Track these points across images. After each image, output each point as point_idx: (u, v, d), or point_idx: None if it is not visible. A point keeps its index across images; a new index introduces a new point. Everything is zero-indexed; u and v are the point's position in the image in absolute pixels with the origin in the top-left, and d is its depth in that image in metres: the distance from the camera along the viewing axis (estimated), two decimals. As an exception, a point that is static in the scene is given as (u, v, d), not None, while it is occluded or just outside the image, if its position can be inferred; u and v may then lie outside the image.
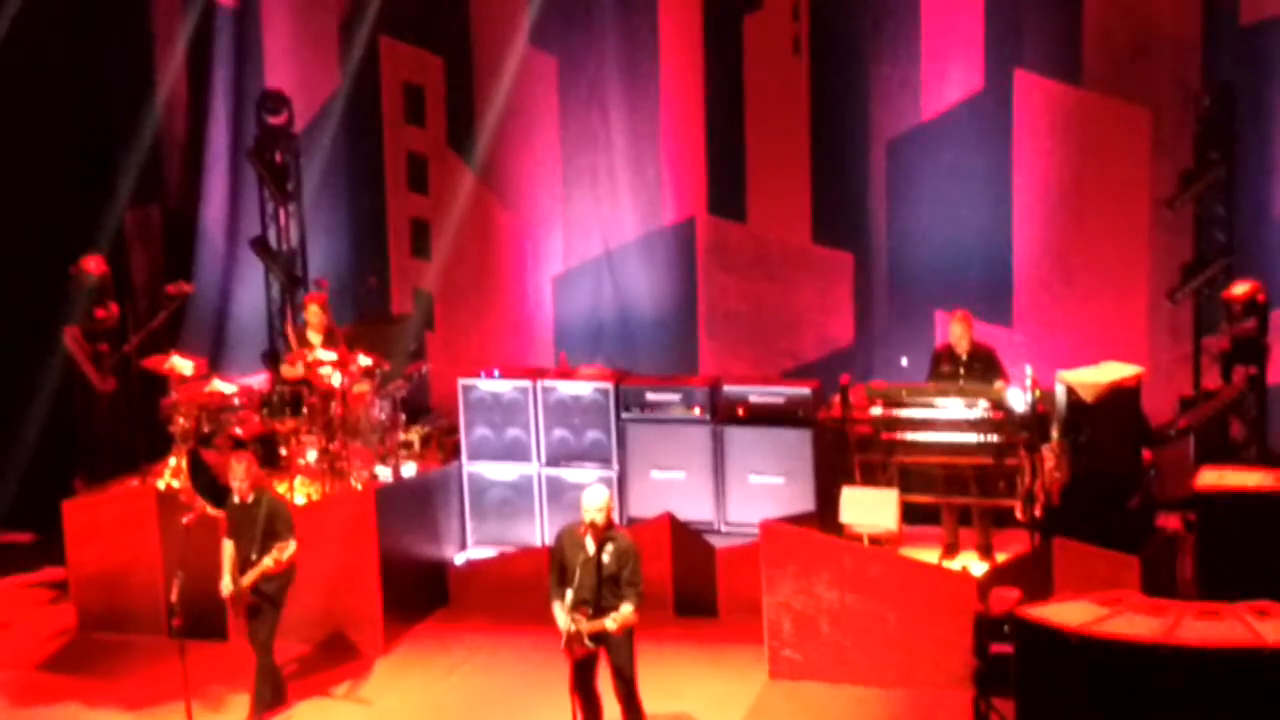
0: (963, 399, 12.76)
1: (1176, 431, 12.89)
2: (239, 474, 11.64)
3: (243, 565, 11.53)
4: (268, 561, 11.37)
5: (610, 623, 10.22)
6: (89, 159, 16.16)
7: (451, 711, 12.14)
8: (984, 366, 13.10)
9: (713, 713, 11.76)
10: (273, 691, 11.72)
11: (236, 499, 11.69)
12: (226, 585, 11.54)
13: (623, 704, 10.64)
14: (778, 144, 15.30)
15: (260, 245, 16.15)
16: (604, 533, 10.39)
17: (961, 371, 13.07)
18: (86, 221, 15.64)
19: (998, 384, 12.86)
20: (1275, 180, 14.06)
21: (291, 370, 13.88)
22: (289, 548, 11.45)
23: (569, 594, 10.30)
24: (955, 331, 13.21)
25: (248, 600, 11.52)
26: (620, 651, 10.48)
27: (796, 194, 15.30)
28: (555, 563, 10.62)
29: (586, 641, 10.31)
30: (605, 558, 10.35)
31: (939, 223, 14.75)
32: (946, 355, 13.27)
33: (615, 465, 13.95)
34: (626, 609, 10.25)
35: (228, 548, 11.63)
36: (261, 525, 11.49)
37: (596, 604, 10.32)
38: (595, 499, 10.44)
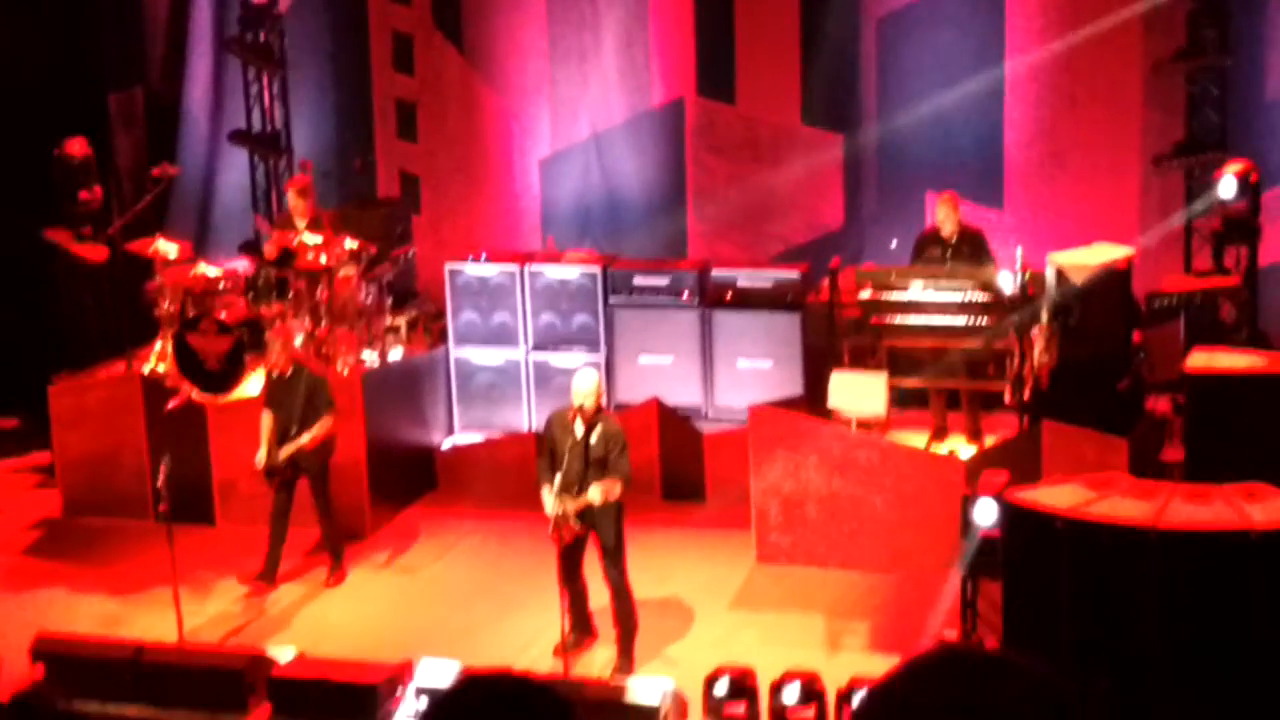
0: (952, 282, 12.66)
1: (1166, 304, 12.81)
2: (275, 348, 11.91)
3: (281, 437, 11.78)
4: (305, 438, 11.73)
5: (595, 494, 10.23)
6: (70, 41, 15.93)
7: (440, 596, 12.16)
8: (971, 249, 12.98)
9: (700, 597, 11.80)
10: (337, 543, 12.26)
11: (275, 373, 11.90)
12: (261, 457, 11.76)
13: (611, 588, 10.66)
14: (767, 23, 15.10)
15: (242, 135, 16.02)
16: (592, 417, 10.37)
17: (948, 254, 12.96)
18: (68, 104, 15.45)
19: (986, 267, 12.76)
20: (1269, 63, 13.90)
21: (273, 251, 13.76)
22: (326, 423, 11.79)
23: (557, 479, 10.30)
24: (941, 213, 13.07)
25: (284, 474, 11.76)
26: (607, 533, 10.49)
27: (786, 75, 15.13)
28: (544, 448, 10.63)
29: (573, 522, 10.31)
30: (592, 441, 10.33)
31: (930, 103, 14.58)
32: (933, 238, 13.14)
33: (603, 350, 13.88)
34: (613, 483, 10.27)
35: (266, 420, 11.79)
36: (302, 399, 11.77)
37: (583, 488, 10.33)
38: (584, 383, 10.43)
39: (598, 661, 10.85)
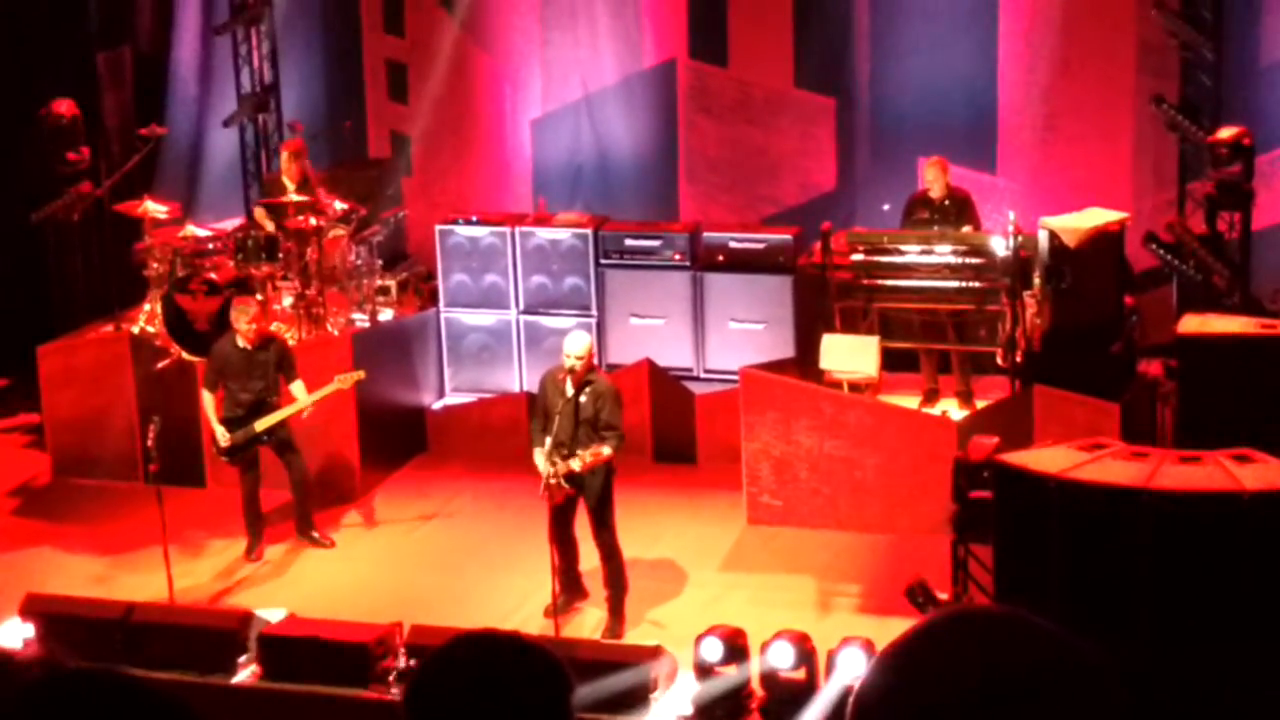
0: (944, 245, 12.63)
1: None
2: (244, 319, 11.64)
3: (251, 409, 11.60)
4: (301, 407, 11.64)
5: (577, 463, 10.21)
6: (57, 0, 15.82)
7: (430, 558, 12.16)
8: (958, 212, 12.96)
9: (691, 558, 11.80)
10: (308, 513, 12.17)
11: (242, 343, 11.66)
12: (224, 436, 11.57)
13: (601, 550, 10.65)
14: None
15: (236, 116, 15.99)
16: (583, 377, 10.36)
17: (936, 217, 12.93)
18: (55, 64, 15.34)
19: (965, 229, 12.74)
20: (1263, 28, 13.84)
21: (257, 215, 13.69)
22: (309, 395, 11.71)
23: (548, 440, 10.29)
24: (929, 176, 13.06)
25: (248, 452, 11.68)
26: (595, 495, 10.48)
27: (778, 36, 15.06)
28: (537, 408, 10.64)
29: (563, 483, 10.31)
30: (583, 400, 10.31)
31: (923, 66, 14.51)
32: (922, 201, 13.11)
33: (594, 312, 13.84)
34: (599, 448, 10.24)
35: (211, 399, 11.64)
36: (274, 370, 11.65)
37: (574, 448, 10.32)
38: (576, 344, 10.43)
39: (588, 623, 10.86)
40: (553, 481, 10.32)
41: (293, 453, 11.85)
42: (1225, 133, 12.71)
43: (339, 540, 12.27)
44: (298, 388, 11.72)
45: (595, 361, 10.82)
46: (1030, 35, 14.36)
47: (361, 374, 11.91)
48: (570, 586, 10.89)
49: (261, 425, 11.62)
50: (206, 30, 16.32)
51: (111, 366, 13.37)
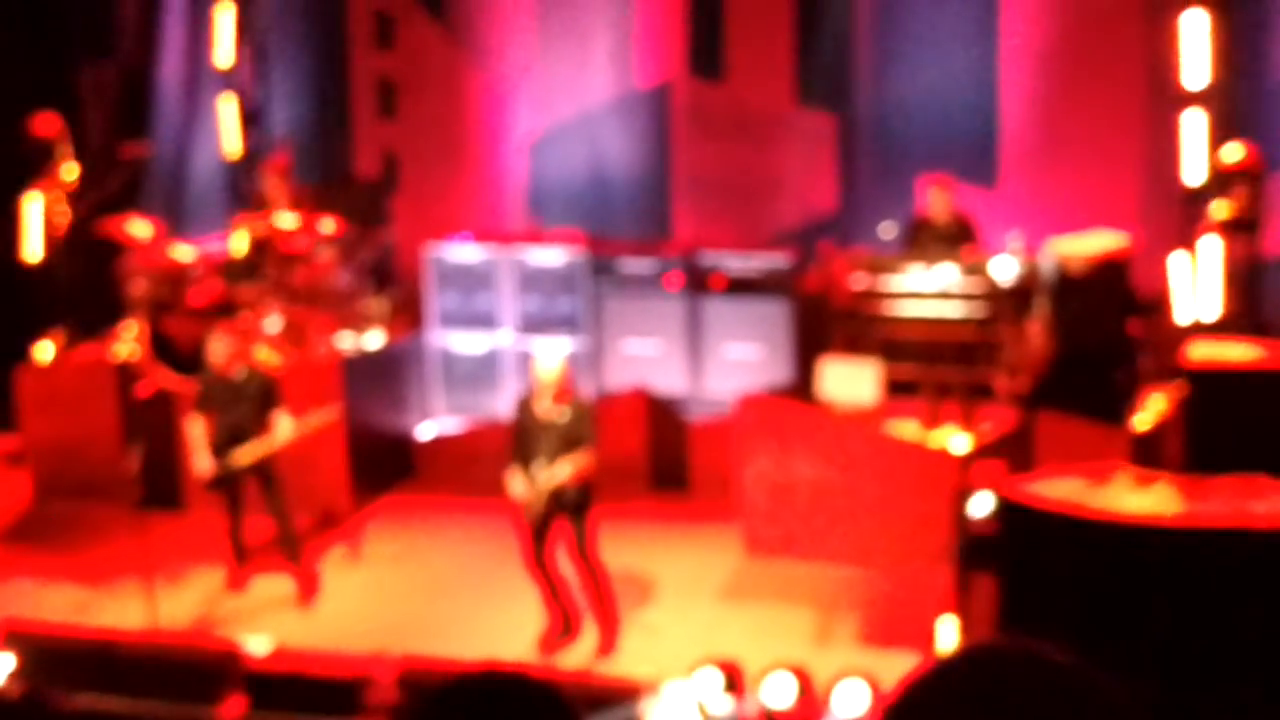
0: (948, 268, 12.44)
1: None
2: (220, 349, 11.34)
3: (231, 438, 11.26)
4: (281, 437, 11.26)
5: (563, 473, 10.13)
6: (38, 13, 15.59)
7: (418, 586, 11.96)
8: (962, 235, 12.84)
9: (686, 589, 11.61)
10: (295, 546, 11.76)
11: (221, 375, 11.37)
12: (206, 464, 11.26)
13: (585, 569, 10.51)
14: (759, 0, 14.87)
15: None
16: (560, 398, 10.25)
17: (939, 241, 12.78)
18: (37, 78, 15.12)
19: (981, 254, 12.59)
20: (1274, 44, 13.69)
21: (243, 235, 13.46)
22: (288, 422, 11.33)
23: (530, 463, 10.19)
24: (932, 198, 12.92)
25: (231, 482, 11.33)
26: (577, 504, 10.35)
27: (778, 53, 14.88)
28: (516, 431, 10.45)
29: (543, 503, 10.17)
30: (560, 421, 10.21)
31: (927, 84, 14.35)
32: (925, 223, 12.97)
33: (587, 335, 13.63)
34: (582, 459, 10.17)
35: (198, 426, 11.34)
36: (258, 402, 11.26)
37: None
38: (549, 364, 10.31)
39: (582, 650, 10.69)
40: (534, 503, 10.18)
41: (271, 486, 11.47)
42: (1235, 154, 12.53)
43: (327, 568, 12.03)
44: (282, 420, 11.38)
45: (571, 381, 10.64)
46: (1035, 51, 14.20)
47: (335, 412, 11.66)
48: (562, 615, 10.72)
49: (241, 457, 11.31)
50: (193, 44, 16.10)
51: (94, 389, 13.14)
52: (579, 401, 10.42)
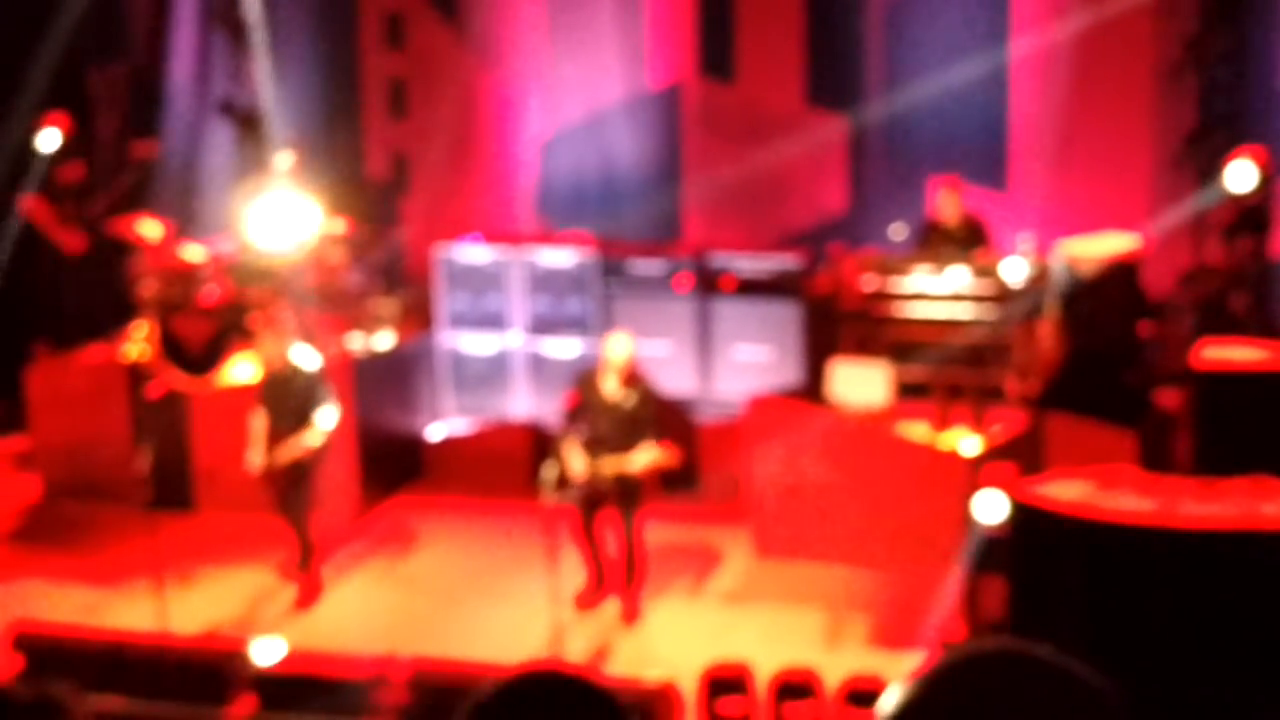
0: (957, 271, 12.42)
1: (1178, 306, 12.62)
2: (267, 345, 11.42)
3: (278, 437, 11.29)
4: (313, 439, 11.28)
5: (637, 464, 10.56)
6: (48, 14, 15.59)
7: (428, 587, 11.94)
8: (973, 236, 12.82)
9: (696, 591, 11.59)
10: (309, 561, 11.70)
11: (267, 371, 11.46)
12: (258, 459, 11.28)
13: (630, 542, 10.91)
14: (770, 1, 14.84)
15: (230, 108, 15.73)
16: (627, 379, 10.64)
17: (950, 242, 12.75)
18: (48, 79, 15.12)
19: (992, 256, 12.56)
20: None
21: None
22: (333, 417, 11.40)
23: (588, 439, 10.60)
24: (942, 200, 12.89)
25: (287, 475, 11.34)
26: (636, 491, 10.75)
27: (789, 55, 14.85)
28: (575, 407, 10.76)
29: (604, 483, 10.55)
30: (624, 401, 10.60)
31: (938, 85, 14.31)
32: (935, 225, 12.95)
33: (597, 337, 13.61)
34: (655, 451, 10.56)
35: (259, 420, 11.36)
36: (300, 397, 11.28)
37: (614, 449, 10.59)
38: (618, 346, 10.75)
39: (608, 614, 11.05)
40: (595, 479, 10.54)
41: (299, 486, 11.47)
42: (1244, 156, 12.51)
43: (337, 568, 12.02)
44: (318, 417, 11.35)
45: (636, 366, 10.99)
46: (1045, 53, 14.17)
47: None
48: (599, 577, 11.13)
49: (283, 455, 11.32)
50: (204, 45, 16.10)
51: (104, 390, 13.14)
52: (645, 387, 10.72)
